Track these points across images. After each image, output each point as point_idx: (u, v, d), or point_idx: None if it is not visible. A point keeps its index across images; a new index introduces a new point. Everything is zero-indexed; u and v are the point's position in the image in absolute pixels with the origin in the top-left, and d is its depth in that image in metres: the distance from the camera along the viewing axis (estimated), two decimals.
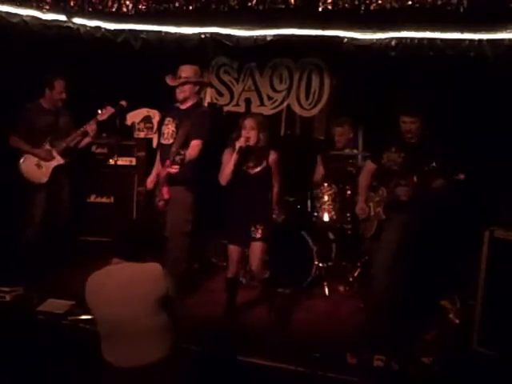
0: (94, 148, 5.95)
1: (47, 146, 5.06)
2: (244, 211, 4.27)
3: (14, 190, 5.12)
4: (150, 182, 4.70)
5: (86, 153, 5.60)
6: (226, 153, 4.34)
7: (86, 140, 5.23)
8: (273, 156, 4.32)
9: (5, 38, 5.10)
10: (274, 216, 4.47)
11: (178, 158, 4.19)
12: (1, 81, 5.23)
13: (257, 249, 4.29)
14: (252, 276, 4.78)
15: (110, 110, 5.13)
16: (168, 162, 4.35)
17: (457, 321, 4.39)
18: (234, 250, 4.38)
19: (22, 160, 5.03)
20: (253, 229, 4.25)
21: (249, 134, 4.21)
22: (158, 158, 4.72)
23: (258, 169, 4.31)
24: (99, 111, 5.10)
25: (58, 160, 5.08)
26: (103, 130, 5.64)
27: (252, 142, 4.23)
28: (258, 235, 4.26)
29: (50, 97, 5.10)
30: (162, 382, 2.90)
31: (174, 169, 4.21)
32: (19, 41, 5.16)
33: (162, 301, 2.90)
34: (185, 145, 4.38)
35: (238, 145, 4.18)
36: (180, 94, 4.54)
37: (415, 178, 3.94)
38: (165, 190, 4.42)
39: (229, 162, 4.24)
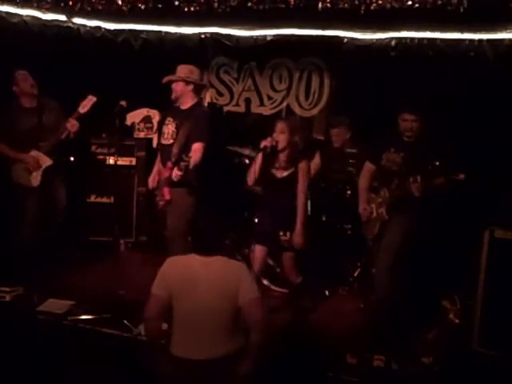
0: (93, 148, 5.95)
1: (33, 152, 4.84)
2: (271, 214, 4.22)
3: (7, 191, 5.03)
4: (152, 180, 4.69)
5: (85, 153, 5.55)
6: (256, 156, 4.33)
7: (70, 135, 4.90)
8: (303, 163, 4.22)
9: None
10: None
11: (182, 164, 4.16)
12: None
13: (289, 259, 4.28)
14: (285, 281, 4.69)
15: (91, 100, 4.84)
16: (170, 164, 4.34)
17: (457, 321, 4.39)
18: (259, 249, 4.29)
19: (10, 164, 4.87)
20: (282, 234, 4.19)
21: (278, 138, 4.15)
22: (158, 157, 4.72)
23: (286, 173, 4.23)
24: (81, 104, 4.82)
25: (47, 161, 4.87)
26: (103, 130, 5.64)
27: (280, 146, 4.16)
28: (286, 244, 4.20)
29: (21, 90, 4.81)
30: (228, 375, 2.93)
31: (178, 175, 4.21)
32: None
33: (237, 298, 2.96)
34: (186, 146, 4.37)
35: (262, 144, 4.15)
36: (173, 93, 4.53)
37: (419, 178, 3.93)
38: (166, 190, 4.42)
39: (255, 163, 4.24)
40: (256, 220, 4.32)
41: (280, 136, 4.16)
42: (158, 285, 3.01)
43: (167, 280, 3.00)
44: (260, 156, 4.19)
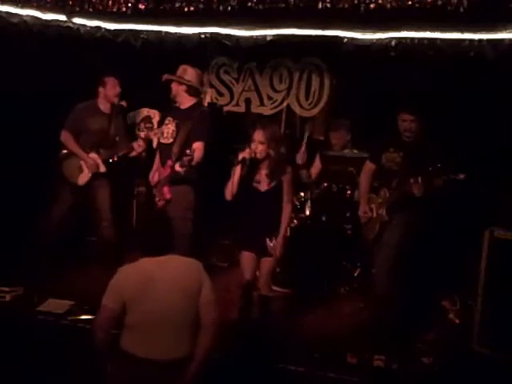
0: None
1: (93, 154, 5.00)
2: (256, 226, 3.99)
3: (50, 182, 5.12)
4: (152, 177, 4.69)
5: None
6: (235, 168, 3.99)
7: (132, 153, 5.10)
8: (287, 175, 3.95)
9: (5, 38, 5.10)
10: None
11: (185, 158, 4.16)
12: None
13: (267, 265, 4.05)
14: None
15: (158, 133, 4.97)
16: (170, 162, 4.35)
17: (457, 321, 4.39)
18: (248, 256, 4.08)
19: (65, 156, 4.99)
20: (269, 242, 3.95)
21: (256, 149, 3.88)
22: (157, 156, 4.72)
23: (269, 187, 3.96)
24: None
25: (101, 168, 5.03)
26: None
27: (259, 157, 3.90)
28: (272, 250, 3.97)
29: (105, 94, 5.02)
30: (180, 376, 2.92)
31: (182, 170, 4.20)
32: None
33: (199, 296, 2.96)
34: (186, 145, 4.37)
35: (240, 156, 3.88)
36: (172, 92, 4.56)
37: (420, 179, 3.93)
38: (166, 189, 4.42)
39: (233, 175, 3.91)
40: (241, 227, 4.18)
41: (258, 146, 3.88)
42: (109, 296, 2.95)
43: (119, 290, 2.94)
44: (238, 168, 3.88)
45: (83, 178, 5.00)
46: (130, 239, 4.66)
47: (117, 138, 5.12)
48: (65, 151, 5.02)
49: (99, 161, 5.01)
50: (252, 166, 3.93)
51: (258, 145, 3.89)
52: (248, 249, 4.10)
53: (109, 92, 5.02)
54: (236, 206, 4.29)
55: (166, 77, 4.57)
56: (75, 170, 5.00)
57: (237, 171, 3.90)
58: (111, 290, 2.98)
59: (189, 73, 4.55)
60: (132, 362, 2.90)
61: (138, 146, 5.00)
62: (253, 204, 3.99)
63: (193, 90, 4.57)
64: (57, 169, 5.03)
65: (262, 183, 3.97)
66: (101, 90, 5.04)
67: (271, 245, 3.96)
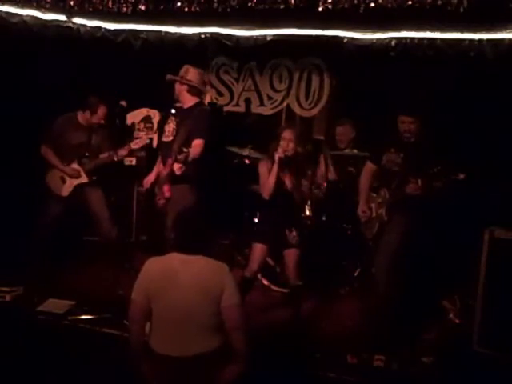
0: None
1: (75, 165, 5.00)
2: (274, 213, 4.17)
3: (33, 194, 5.13)
4: (147, 182, 4.70)
5: None
6: (261, 165, 4.21)
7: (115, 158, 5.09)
8: (308, 173, 4.22)
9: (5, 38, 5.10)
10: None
11: (181, 155, 4.16)
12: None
13: (293, 255, 4.16)
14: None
15: (144, 141, 5.05)
16: (170, 161, 4.34)
17: (457, 321, 4.40)
18: (260, 248, 4.20)
19: (49, 168, 5.02)
20: (288, 233, 4.12)
21: (288, 147, 4.06)
22: (159, 158, 4.72)
23: (292, 185, 4.13)
24: (133, 141, 5.04)
25: (83, 178, 5.03)
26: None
27: (290, 155, 4.08)
28: (294, 241, 4.13)
29: (88, 119, 5.01)
30: (204, 374, 2.93)
31: (178, 167, 4.20)
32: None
33: (220, 299, 2.95)
34: (186, 143, 4.37)
35: (276, 156, 4.02)
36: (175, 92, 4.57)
37: (419, 181, 3.93)
38: (166, 188, 4.41)
39: (267, 174, 4.09)
40: (257, 219, 4.30)
41: (290, 145, 4.07)
42: (136, 290, 3.01)
43: (145, 283, 2.99)
44: (275, 168, 4.04)
45: (66, 189, 5.01)
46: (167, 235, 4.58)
47: (100, 147, 5.09)
48: (48, 169, 5.03)
49: (81, 171, 5.01)
50: (286, 163, 4.08)
51: (289, 143, 4.06)
52: (261, 241, 4.20)
53: (94, 119, 5.01)
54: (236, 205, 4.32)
55: (168, 77, 4.57)
56: (58, 181, 5.01)
57: (274, 170, 4.05)
58: (138, 281, 3.03)
59: (190, 73, 4.55)
60: (156, 359, 2.94)
61: (121, 155, 5.01)
62: (276, 198, 4.13)
63: (194, 90, 4.57)
64: (43, 180, 5.03)
65: (287, 182, 4.12)
66: (87, 112, 4.99)
67: (292, 235, 4.12)
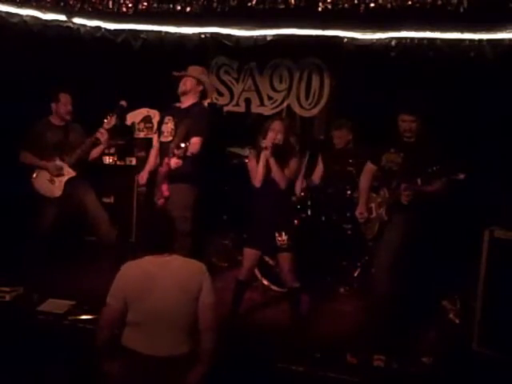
0: None
1: (57, 162, 4.95)
2: (267, 217, 4.16)
3: (25, 201, 5.07)
4: (142, 177, 4.72)
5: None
6: (250, 158, 4.26)
7: (98, 149, 5.10)
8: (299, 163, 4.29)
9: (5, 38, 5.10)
10: None
11: (179, 151, 4.17)
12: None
13: (286, 259, 4.17)
14: (283, 284, 4.59)
15: (113, 120, 5.01)
16: (168, 160, 4.35)
17: (457, 321, 4.39)
18: (251, 253, 4.24)
19: (34, 175, 4.96)
20: (277, 236, 4.12)
21: (276, 137, 4.08)
22: (152, 153, 4.73)
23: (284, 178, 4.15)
24: (105, 120, 4.96)
25: (70, 173, 4.98)
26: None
27: (280, 144, 4.10)
28: (285, 245, 4.13)
29: (56, 111, 4.98)
30: (173, 376, 2.92)
31: (176, 162, 4.21)
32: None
33: (198, 297, 2.97)
34: (185, 140, 4.37)
35: (265, 144, 4.05)
36: (182, 86, 4.54)
37: (419, 181, 3.93)
38: (164, 187, 4.42)
39: (256, 165, 4.13)
40: (248, 223, 4.28)
41: (278, 135, 4.10)
42: (112, 294, 3.00)
43: (121, 288, 2.98)
44: (263, 156, 4.07)
45: (57, 189, 4.95)
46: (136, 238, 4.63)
47: (77, 142, 5.03)
48: (34, 175, 4.96)
49: (64, 166, 4.96)
50: (276, 151, 4.08)
51: (278, 134, 4.09)
52: (253, 246, 4.22)
53: (60, 109, 4.96)
54: (238, 205, 4.33)
55: (191, 75, 4.53)
56: (46, 183, 4.95)
57: (262, 159, 4.08)
58: (113, 286, 3.02)
59: (205, 74, 4.60)
60: (131, 357, 2.93)
61: (101, 134, 4.92)
62: (265, 196, 4.14)
63: (205, 92, 4.61)
64: (32, 189, 4.97)
65: (278, 176, 4.12)
66: (53, 105, 4.97)
67: (281, 239, 4.11)
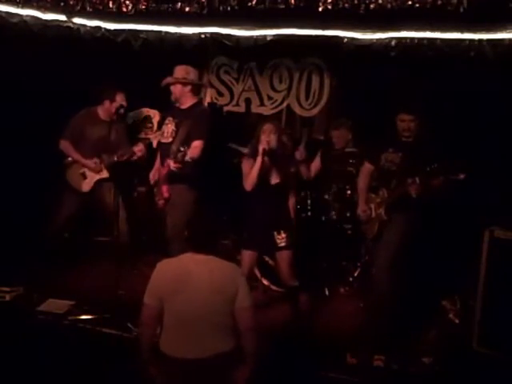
0: None
1: (96, 159, 5.01)
2: (265, 218, 4.18)
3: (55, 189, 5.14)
4: (153, 175, 4.72)
5: None
6: (244, 162, 4.26)
7: (134, 157, 5.06)
8: (294, 166, 4.32)
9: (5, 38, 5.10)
10: None
11: (179, 155, 4.18)
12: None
13: (285, 257, 4.19)
14: (281, 284, 4.60)
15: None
16: (168, 162, 4.35)
17: (457, 321, 4.40)
18: (249, 255, 4.25)
19: (69, 164, 5.02)
20: (276, 235, 4.15)
21: (270, 140, 4.09)
22: (158, 155, 4.73)
23: (279, 179, 4.20)
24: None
25: (103, 173, 5.03)
26: None
27: (274, 147, 4.11)
28: (283, 243, 4.16)
29: (108, 108, 5.01)
30: (218, 375, 2.93)
31: (176, 166, 4.21)
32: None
33: (234, 299, 2.96)
34: (185, 143, 4.37)
35: (260, 147, 4.05)
36: (172, 94, 4.56)
37: (417, 179, 3.93)
38: (164, 188, 4.42)
39: (250, 169, 4.12)
40: (244, 225, 4.29)
41: (271, 136, 4.10)
42: (148, 293, 3.01)
43: (157, 286, 2.99)
44: (259, 160, 4.06)
45: (87, 185, 5.02)
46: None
47: (118, 143, 5.08)
48: (69, 159, 5.03)
49: (101, 166, 5.02)
50: (270, 156, 4.11)
51: (270, 135, 4.11)
52: (250, 248, 4.22)
53: (113, 108, 4.98)
54: (238, 204, 4.32)
55: (169, 80, 4.55)
56: (78, 177, 5.02)
57: (258, 162, 4.06)
58: (150, 284, 3.02)
59: (191, 72, 4.57)
60: (168, 363, 2.93)
61: (139, 151, 4.96)
62: (263, 197, 4.15)
63: (197, 89, 4.60)
64: (62, 176, 5.04)
65: (273, 176, 4.15)
66: (107, 102, 5.00)
67: (281, 238, 4.13)
